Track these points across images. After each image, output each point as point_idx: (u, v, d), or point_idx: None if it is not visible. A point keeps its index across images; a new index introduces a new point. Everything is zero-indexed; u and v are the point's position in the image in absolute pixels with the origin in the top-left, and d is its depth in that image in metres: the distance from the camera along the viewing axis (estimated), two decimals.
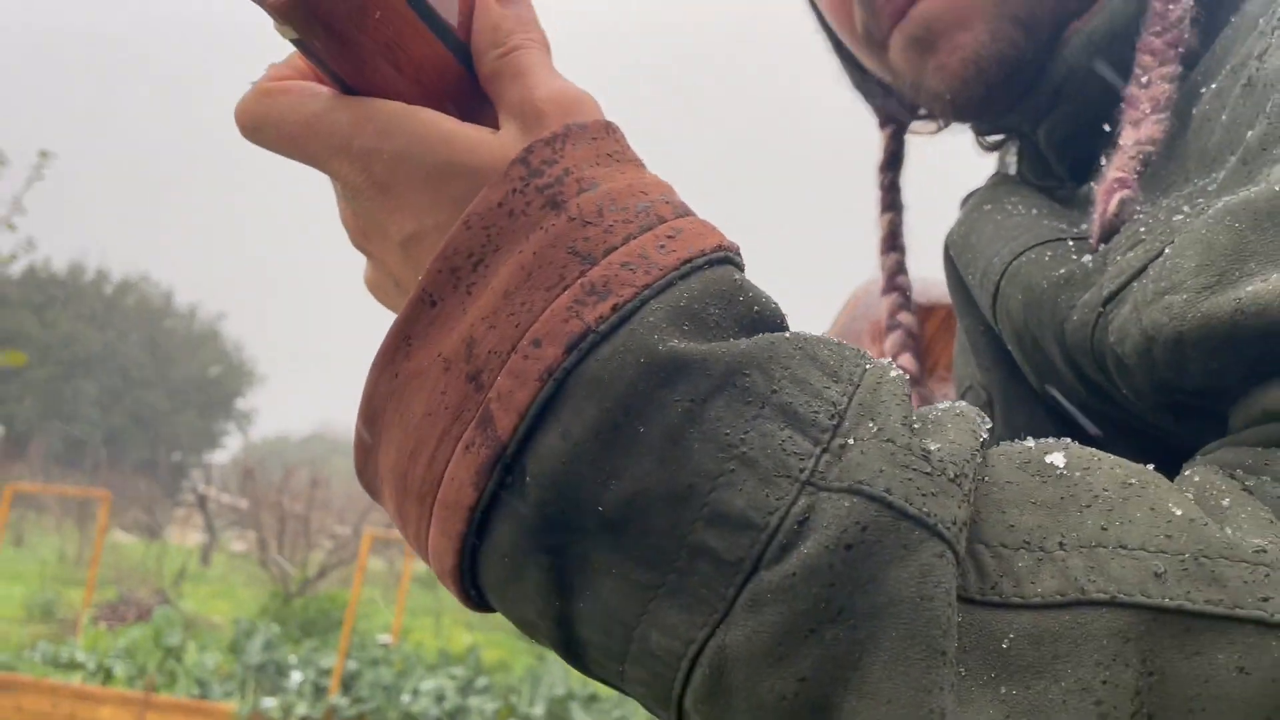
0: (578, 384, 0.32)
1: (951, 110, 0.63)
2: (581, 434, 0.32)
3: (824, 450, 0.32)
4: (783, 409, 0.33)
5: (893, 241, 0.77)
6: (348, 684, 6.41)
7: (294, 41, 0.37)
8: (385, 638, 9.53)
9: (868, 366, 0.35)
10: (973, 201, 0.66)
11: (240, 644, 7.09)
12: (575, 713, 6.24)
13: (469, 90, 0.40)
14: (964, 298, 0.63)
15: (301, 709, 6.01)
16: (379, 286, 0.42)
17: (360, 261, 0.43)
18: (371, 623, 11.75)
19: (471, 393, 0.33)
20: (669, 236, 0.35)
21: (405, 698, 6.24)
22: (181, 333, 41.74)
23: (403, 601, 7.94)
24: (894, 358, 0.74)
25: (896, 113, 0.77)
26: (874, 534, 0.31)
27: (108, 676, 6.66)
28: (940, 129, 0.75)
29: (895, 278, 0.77)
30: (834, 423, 0.33)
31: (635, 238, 0.35)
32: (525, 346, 0.33)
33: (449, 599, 18.90)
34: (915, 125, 0.77)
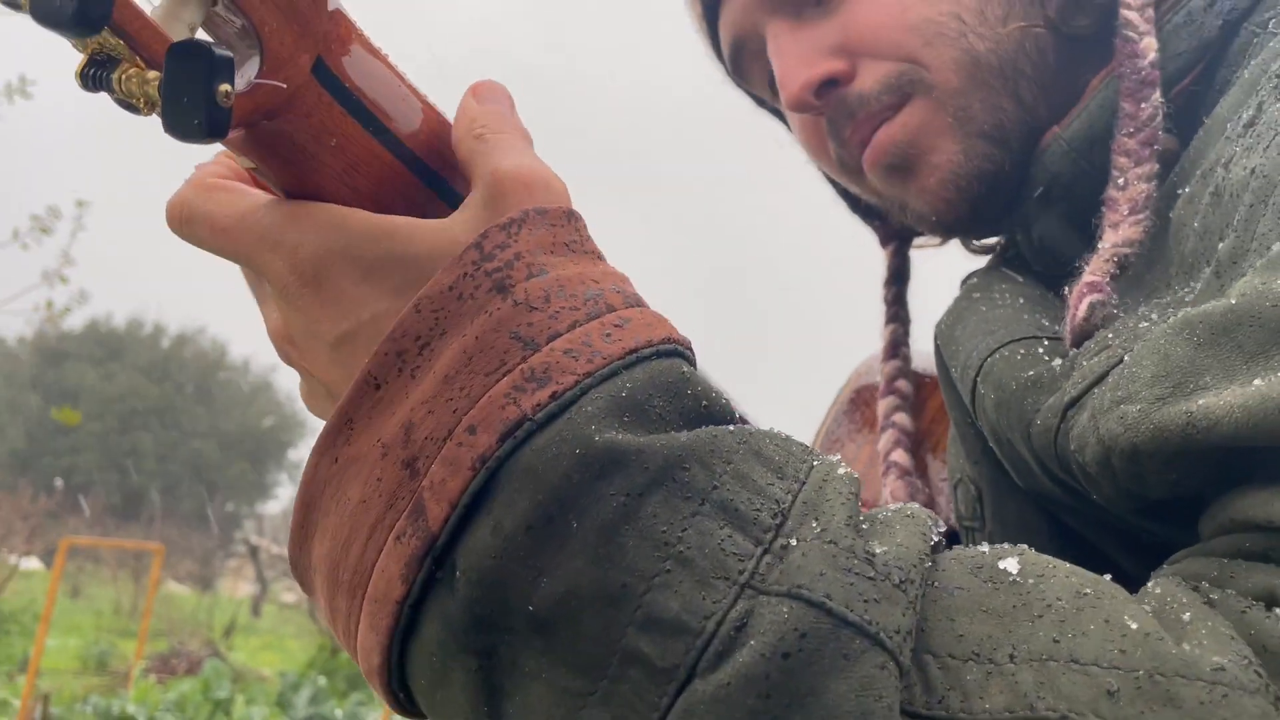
0: (511, 474, 0.31)
1: (940, 229, 0.64)
2: (513, 527, 0.31)
3: (765, 550, 0.31)
4: (723, 506, 0.32)
5: (894, 351, 0.77)
6: None
7: (250, 171, 0.38)
8: None
9: (815, 463, 0.34)
10: (965, 288, 0.65)
11: (287, 697, 7.12)
12: None
13: (422, 200, 0.40)
14: (951, 389, 0.62)
15: None
16: (312, 397, 0.41)
17: None
18: None
19: (406, 480, 0.32)
20: (616, 325, 0.34)
21: None
22: (236, 385, 42.50)
23: None
24: (885, 455, 0.74)
25: (896, 232, 0.77)
26: (813, 642, 0.29)
27: None
28: (942, 243, 0.75)
29: (894, 382, 0.77)
30: (777, 521, 0.32)
31: (581, 325, 0.34)
32: (460, 433, 0.32)
33: None
34: (918, 241, 0.77)
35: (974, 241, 0.73)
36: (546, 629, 0.31)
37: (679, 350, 0.36)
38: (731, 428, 0.34)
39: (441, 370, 0.33)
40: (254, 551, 19.60)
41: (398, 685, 0.34)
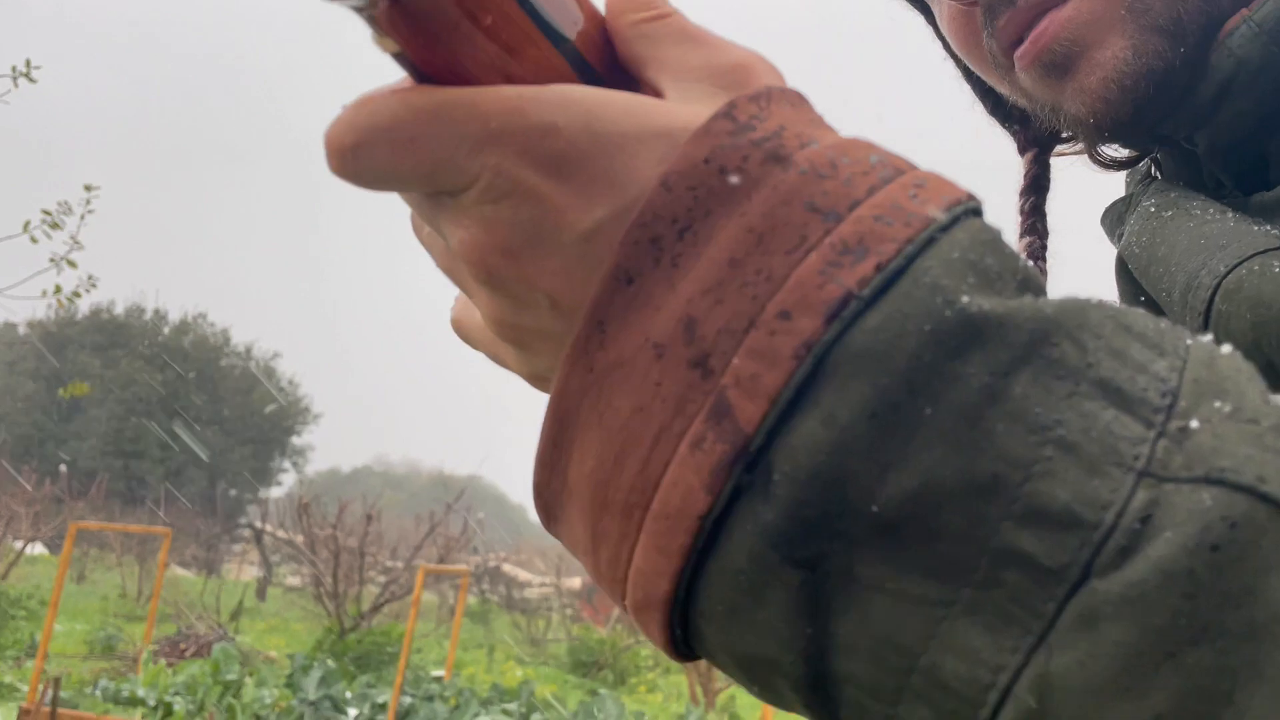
0: (843, 359, 0.27)
1: (1095, 133, 0.59)
2: (850, 419, 0.27)
3: (1160, 434, 0.27)
4: (1102, 385, 0.27)
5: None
6: (403, 719, 6.41)
7: (395, 56, 0.33)
8: (438, 672, 9.53)
9: (1189, 341, 0.29)
10: (1144, 210, 0.61)
11: (297, 679, 7.14)
12: None
13: None
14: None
15: None
16: (519, 319, 0.33)
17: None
18: (424, 657, 11.77)
19: (697, 381, 0.28)
20: (917, 186, 0.30)
21: None
22: (238, 371, 42.52)
23: (456, 636, 7.92)
24: None
25: (1036, 138, 0.73)
26: (1247, 533, 0.25)
27: (168, 712, 6.72)
28: (1085, 151, 0.71)
29: None
30: (1166, 402, 0.27)
31: (879, 189, 0.29)
32: (769, 320, 0.28)
33: (501, 631, 18.89)
34: (1060, 149, 0.73)
35: (1114, 153, 0.69)
36: (893, 531, 0.27)
37: (980, 209, 0.31)
38: (1090, 299, 0.30)
39: (722, 253, 0.29)
40: (258, 536, 19.65)
41: (677, 618, 0.30)
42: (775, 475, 0.27)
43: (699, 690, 12.00)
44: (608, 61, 0.36)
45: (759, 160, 0.29)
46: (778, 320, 0.28)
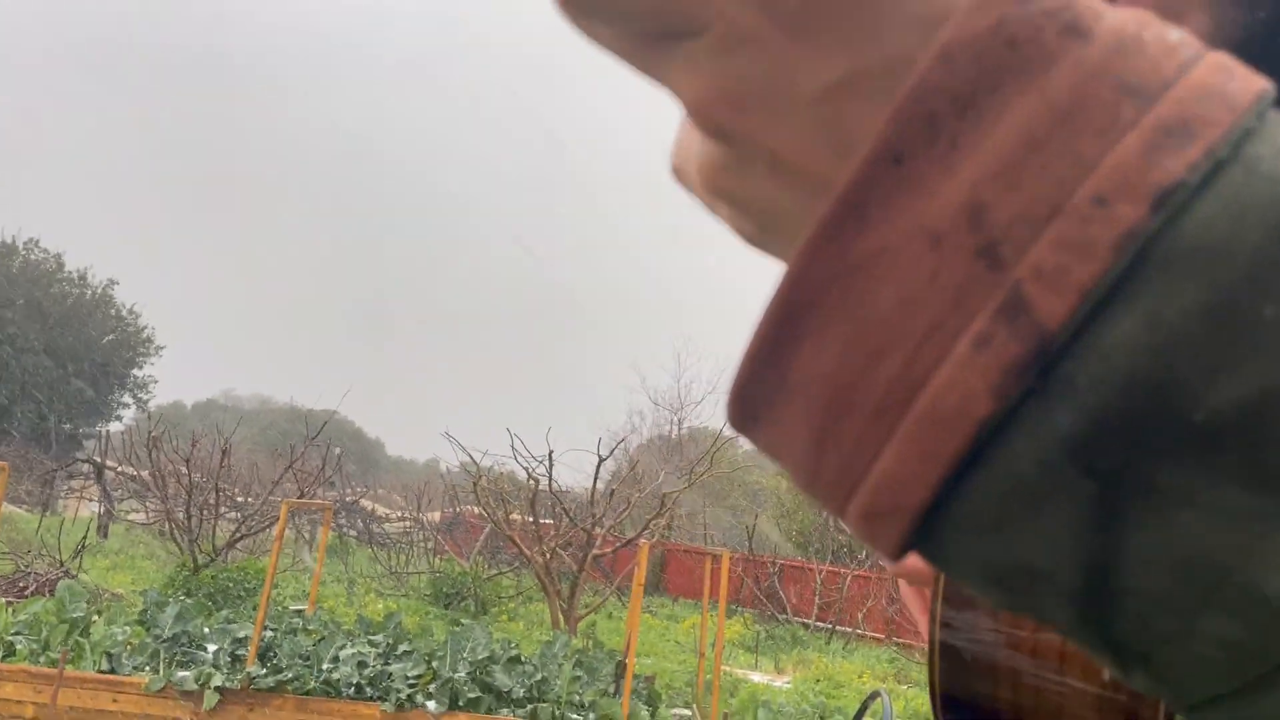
0: (1173, 253, 0.25)
1: None
2: (1179, 319, 0.25)
3: None
4: None
5: None
6: (265, 654, 6.33)
7: None
8: (299, 606, 9.39)
9: None
10: None
11: (151, 615, 6.93)
12: (497, 675, 6.28)
13: None
14: None
15: (218, 680, 5.91)
16: (743, 175, 0.31)
17: None
18: (281, 592, 11.55)
19: (982, 273, 0.26)
20: (1224, 68, 0.27)
21: (325, 665, 6.19)
22: (71, 300, 39.96)
23: (320, 569, 7.82)
24: None
25: None
26: None
27: (9, 652, 6.43)
28: None
29: None
30: None
31: (1190, 69, 0.27)
32: (1082, 207, 0.25)
33: (360, 566, 18.68)
34: None
35: None
36: (1214, 440, 0.25)
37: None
38: None
39: (1016, 134, 0.26)
40: (99, 471, 18.70)
41: (922, 527, 0.28)
42: (1080, 379, 0.25)
43: (561, 617, 12.24)
44: None
45: (1055, 32, 0.26)
46: (1092, 207, 0.25)
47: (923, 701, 10.20)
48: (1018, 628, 0.53)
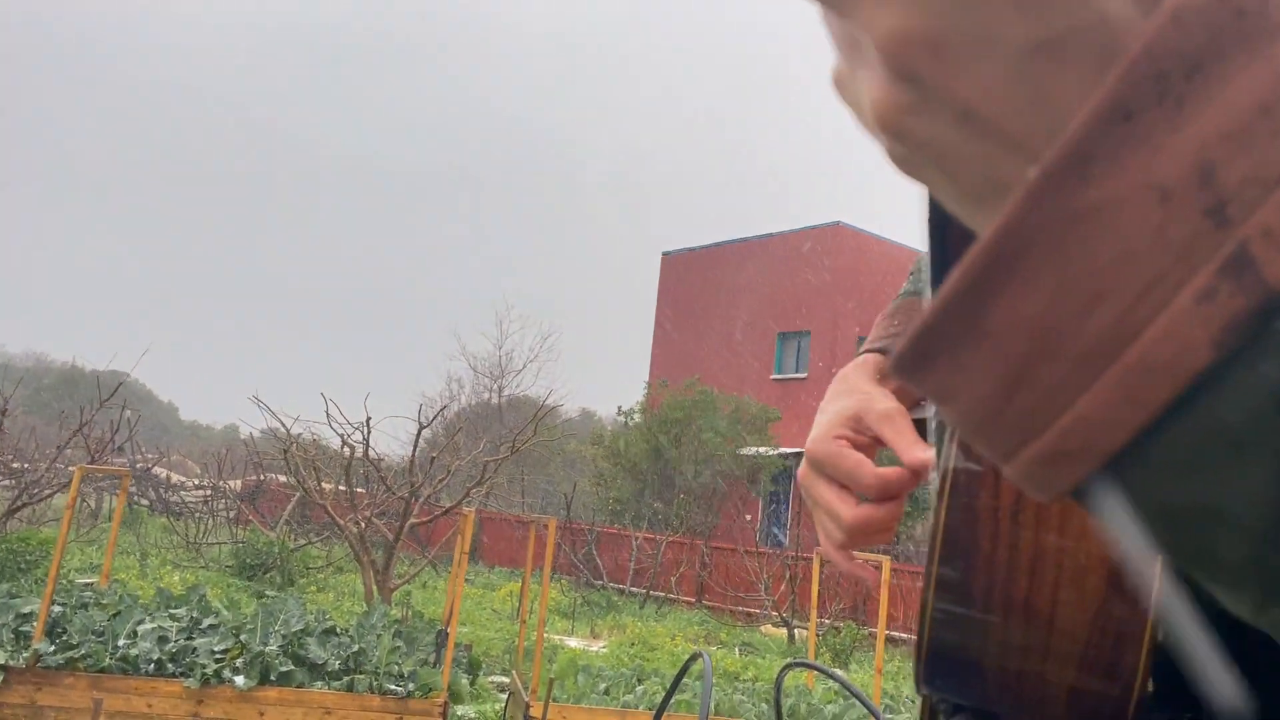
0: None
1: None
2: None
3: None
4: None
5: None
6: (53, 630, 5.87)
7: None
8: (88, 579, 8.76)
9: None
10: None
11: None
12: (311, 647, 6.07)
13: None
14: None
15: (0, 658, 5.44)
16: (904, 118, 0.31)
17: None
18: (67, 564, 10.74)
19: (1209, 230, 0.27)
20: None
21: (122, 641, 5.80)
22: None
23: (114, 539, 7.31)
24: None
25: None
26: None
27: None
28: None
29: None
30: None
31: None
32: None
33: (154, 537, 17.57)
34: None
35: None
36: None
37: None
38: None
39: (1247, 98, 0.27)
40: None
41: (1107, 470, 0.29)
42: None
43: (375, 588, 11.95)
44: None
45: None
46: None
47: (732, 661, 10.60)
48: (1013, 581, 0.55)
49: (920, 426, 0.94)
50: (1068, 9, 0.28)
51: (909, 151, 0.32)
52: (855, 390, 0.90)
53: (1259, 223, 0.26)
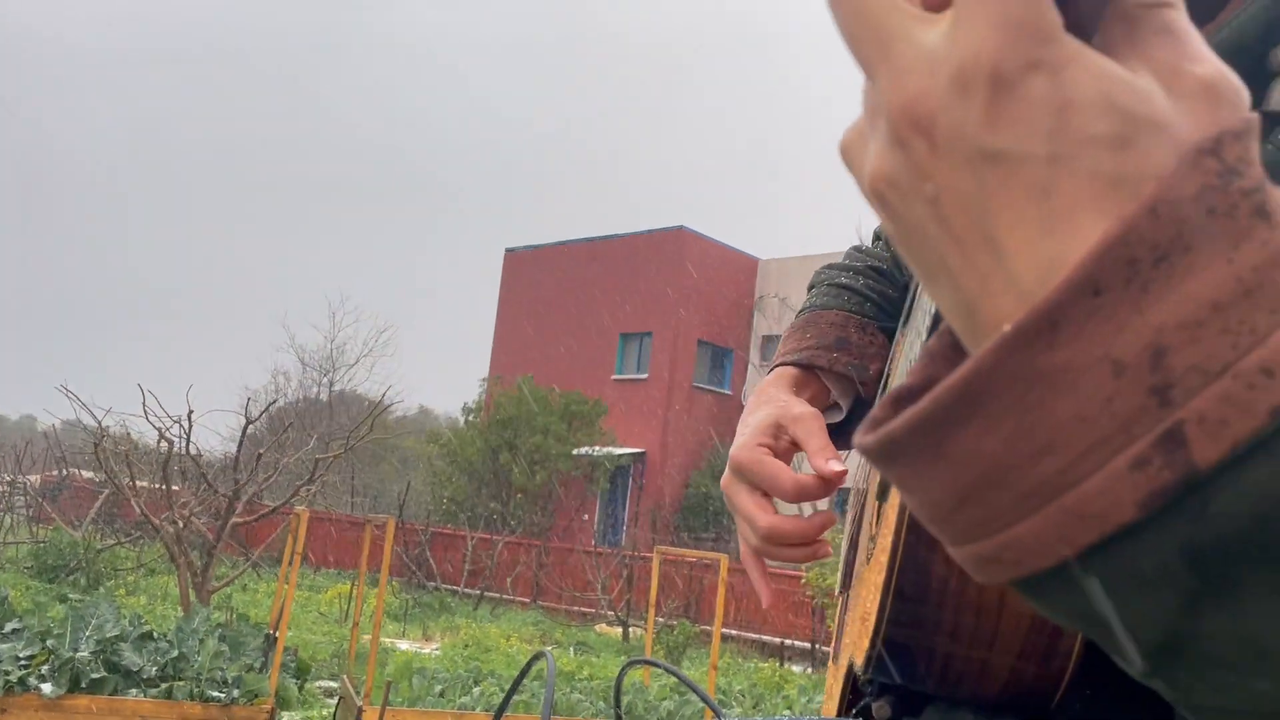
0: None
1: None
2: None
3: None
4: None
5: None
6: None
7: None
8: None
9: None
10: None
11: None
12: (126, 654, 5.71)
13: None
14: None
15: None
16: (891, 188, 0.34)
17: None
18: None
19: (1153, 407, 0.30)
20: None
21: None
22: None
23: None
24: None
25: None
26: None
27: None
28: None
29: None
30: None
31: None
32: (1248, 373, 0.29)
33: None
34: None
35: None
36: None
37: None
38: None
39: (1204, 295, 0.30)
40: None
41: (1031, 579, 0.33)
42: (1213, 506, 0.30)
43: (192, 591, 11.33)
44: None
45: (1248, 212, 0.30)
46: (1258, 375, 0.29)
47: (567, 660, 10.60)
48: (966, 580, 0.57)
49: (833, 430, 0.97)
50: (1006, 136, 0.31)
51: (888, 220, 0.34)
52: (774, 399, 0.94)
53: (1196, 408, 0.30)
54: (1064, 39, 0.32)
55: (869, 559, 0.74)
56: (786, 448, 0.88)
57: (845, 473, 0.80)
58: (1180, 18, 0.35)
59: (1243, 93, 0.34)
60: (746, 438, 0.88)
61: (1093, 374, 0.31)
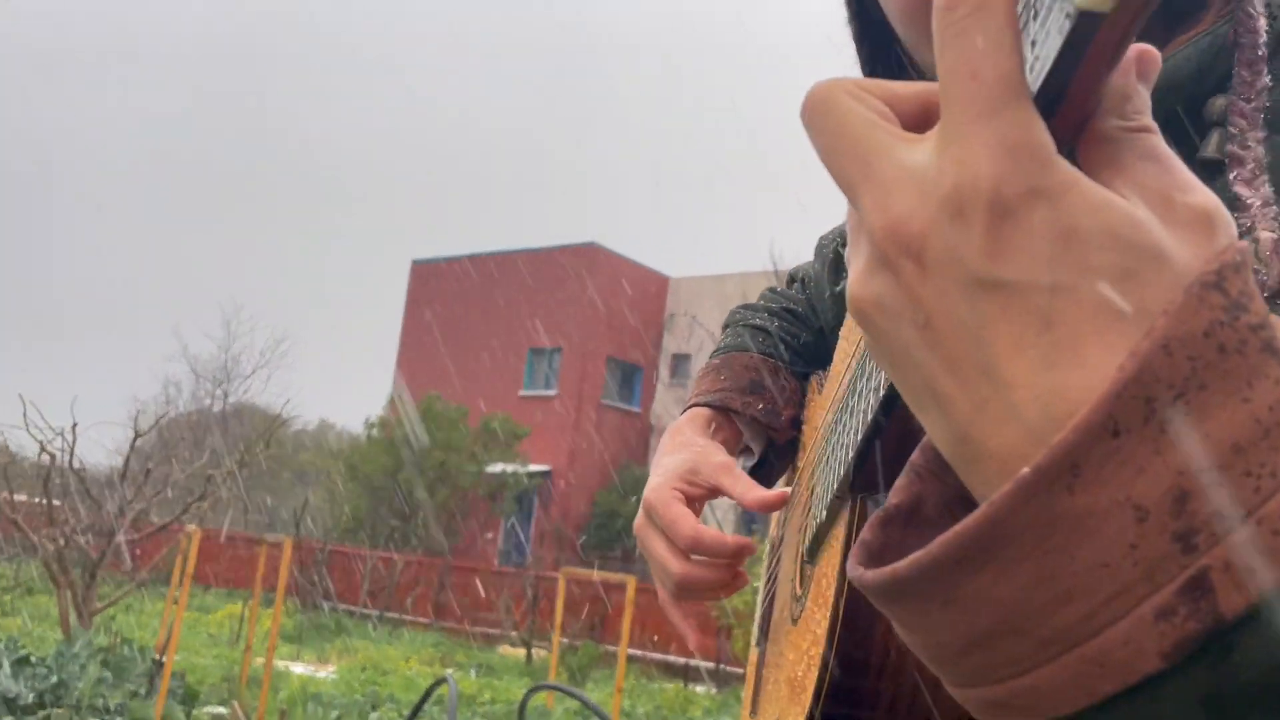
0: None
1: None
2: None
3: None
4: None
5: None
6: None
7: (1087, 14, 0.29)
8: None
9: None
10: None
11: None
12: (2, 680, 5.42)
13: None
14: None
15: None
16: (876, 305, 0.33)
17: None
18: None
19: (1176, 554, 0.29)
20: None
21: None
22: None
23: None
24: None
25: None
26: None
27: None
28: None
29: None
30: None
31: None
32: (1273, 518, 0.29)
33: None
34: None
35: None
36: None
37: None
38: None
39: (1224, 434, 0.29)
40: None
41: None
42: (1237, 657, 0.29)
43: (73, 612, 10.81)
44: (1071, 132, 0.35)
45: (1257, 348, 0.30)
46: None
47: (469, 683, 10.43)
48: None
49: (753, 473, 0.96)
50: (1016, 263, 0.30)
51: (872, 341, 0.34)
52: (690, 444, 0.93)
53: (1221, 555, 0.29)
54: (1060, 164, 0.31)
55: (795, 620, 0.73)
56: (703, 494, 0.87)
57: (764, 526, 0.81)
58: (1160, 143, 0.34)
59: (1233, 224, 0.34)
60: (660, 480, 0.88)
61: (1114, 519, 0.30)
